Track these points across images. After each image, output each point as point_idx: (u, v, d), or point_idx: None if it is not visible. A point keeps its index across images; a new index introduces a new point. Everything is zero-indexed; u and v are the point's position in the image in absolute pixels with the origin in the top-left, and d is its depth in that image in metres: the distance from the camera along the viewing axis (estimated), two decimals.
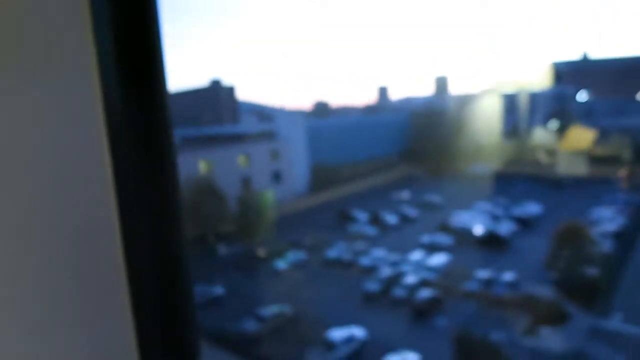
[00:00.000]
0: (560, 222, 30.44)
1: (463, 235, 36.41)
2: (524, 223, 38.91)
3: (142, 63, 1.08)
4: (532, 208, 42.26)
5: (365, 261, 32.42)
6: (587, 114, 63.99)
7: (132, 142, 1.05)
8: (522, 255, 32.65)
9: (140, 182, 1.05)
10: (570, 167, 51.52)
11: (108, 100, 1.06)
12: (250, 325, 25.47)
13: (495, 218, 40.36)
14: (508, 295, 26.76)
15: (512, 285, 27.48)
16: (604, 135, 63.12)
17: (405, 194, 41.76)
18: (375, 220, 41.53)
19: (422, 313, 25.85)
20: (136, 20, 1.06)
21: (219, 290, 28.84)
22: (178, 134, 65.18)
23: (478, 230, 37.55)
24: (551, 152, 56.05)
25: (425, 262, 31.01)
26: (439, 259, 31.01)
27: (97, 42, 1.03)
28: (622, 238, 34.70)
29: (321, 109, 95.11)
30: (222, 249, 36.02)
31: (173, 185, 1.11)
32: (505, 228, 36.96)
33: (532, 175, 55.57)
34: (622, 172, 52.42)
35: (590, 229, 32.31)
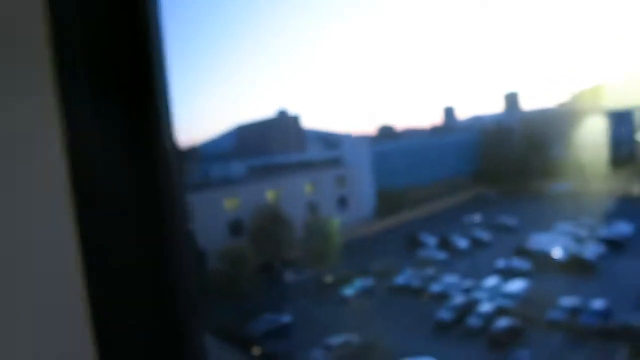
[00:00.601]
0: None
1: (543, 259, 33.66)
2: (614, 245, 35.26)
3: (125, 76, 0.89)
4: (622, 228, 38.33)
5: (436, 288, 30.93)
6: None
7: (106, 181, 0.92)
8: (613, 280, 29.46)
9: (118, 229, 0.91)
10: None
11: (71, 130, 0.86)
12: (318, 355, 24.96)
13: (580, 240, 37.06)
14: (599, 324, 24.15)
15: (604, 313, 24.76)
16: None
17: (477, 217, 39.67)
18: (446, 244, 39.72)
19: (501, 344, 23.94)
20: (119, 19, 0.87)
21: (286, 318, 28.73)
22: (247, 164, 67.32)
23: (560, 253, 34.63)
24: None
25: (501, 288, 28.97)
26: (517, 285, 28.83)
27: (57, 48, 0.84)
28: None
29: (386, 132, 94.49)
30: (290, 276, 36.08)
31: (172, 242, 0.97)
32: (592, 251, 33.77)
33: (621, 193, 50.71)
34: None
35: None
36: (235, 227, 40.67)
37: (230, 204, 43.07)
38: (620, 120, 60.46)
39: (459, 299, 28.20)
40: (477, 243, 38.54)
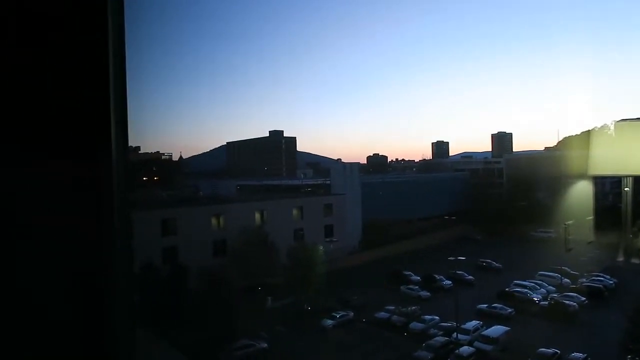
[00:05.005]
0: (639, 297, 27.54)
1: (524, 305, 33.74)
2: (596, 296, 35.44)
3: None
4: (604, 281, 38.55)
5: (417, 326, 30.67)
6: None
7: None
8: (593, 331, 29.53)
9: None
10: None
11: None
12: None
13: (562, 287, 37.28)
14: None
15: None
16: None
17: (461, 256, 39.73)
18: (429, 282, 39.61)
19: None
20: None
21: (263, 345, 28.14)
22: (236, 183, 66.84)
23: (541, 300, 34.71)
24: None
25: (482, 331, 28.82)
26: (497, 330, 28.71)
27: None
28: None
29: (378, 162, 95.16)
30: (270, 302, 35.52)
31: None
32: (573, 299, 33.89)
33: (604, 247, 50.99)
34: None
35: None
36: (219, 247, 40.13)
37: (217, 222, 42.62)
38: (605, 180, 61.00)
39: (439, 339, 27.95)
40: (460, 282, 38.49)
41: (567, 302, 33.28)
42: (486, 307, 33.29)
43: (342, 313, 32.68)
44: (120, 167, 1.20)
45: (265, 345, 28.18)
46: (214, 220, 42.33)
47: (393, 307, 33.27)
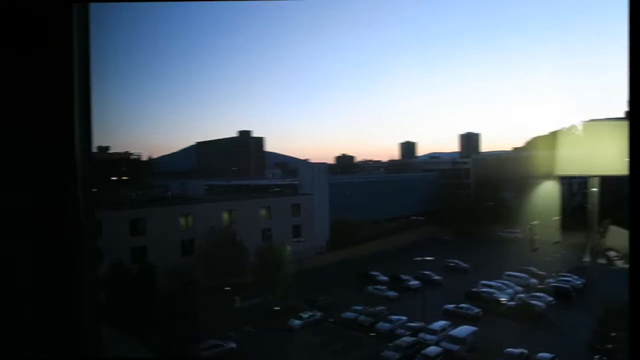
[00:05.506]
0: (607, 297, 28.02)
1: (492, 305, 34.10)
2: (563, 296, 35.90)
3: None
4: (572, 281, 39.16)
5: (384, 326, 30.57)
6: None
7: None
8: (561, 330, 29.85)
9: None
10: None
11: None
12: None
13: (529, 287, 37.87)
14: None
15: None
16: None
17: (429, 257, 40.02)
18: (397, 282, 39.66)
19: None
20: None
21: (231, 344, 27.64)
22: (205, 182, 65.60)
23: (508, 300, 35.17)
24: None
25: (449, 331, 28.94)
26: (464, 330, 28.87)
27: None
28: None
29: (346, 163, 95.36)
30: (238, 302, 34.91)
31: None
32: (540, 300, 34.34)
33: (570, 246, 52.12)
34: None
35: None
36: (188, 247, 39.36)
37: (185, 222, 41.83)
38: (572, 180, 62.24)
39: (406, 339, 27.90)
40: (427, 283, 38.68)
41: (534, 302, 33.75)
42: (453, 307, 33.48)
43: (309, 313, 32.37)
44: (84, 166, 1.16)
45: (234, 345, 27.74)
46: (182, 220, 41.56)
47: (360, 308, 33.12)
